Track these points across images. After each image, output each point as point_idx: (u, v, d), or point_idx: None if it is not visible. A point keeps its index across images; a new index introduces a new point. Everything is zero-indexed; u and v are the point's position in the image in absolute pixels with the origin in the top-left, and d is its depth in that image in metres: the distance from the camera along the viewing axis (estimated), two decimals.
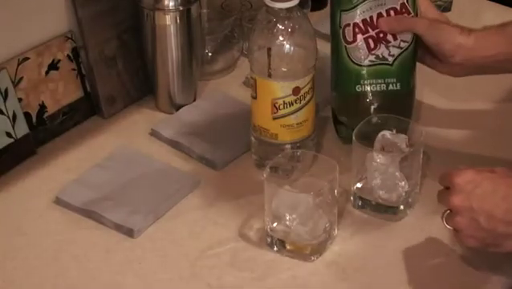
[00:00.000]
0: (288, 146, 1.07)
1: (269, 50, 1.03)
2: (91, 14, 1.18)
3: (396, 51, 1.10)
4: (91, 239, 1.02)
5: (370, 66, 1.10)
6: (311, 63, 1.05)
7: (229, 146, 1.16)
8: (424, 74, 1.14)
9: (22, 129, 1.13)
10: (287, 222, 0.98)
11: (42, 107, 1.16)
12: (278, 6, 1.00)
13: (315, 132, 1.11)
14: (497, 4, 1.52)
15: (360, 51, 1.09)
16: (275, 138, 1.07)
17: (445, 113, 1.24)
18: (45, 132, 1.18)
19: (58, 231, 1.04)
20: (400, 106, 1.12)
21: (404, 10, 1.09)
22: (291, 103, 1.04)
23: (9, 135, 1.11)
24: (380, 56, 1.10)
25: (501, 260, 0.96)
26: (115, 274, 0.97)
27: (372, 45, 1.09)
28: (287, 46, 1.03)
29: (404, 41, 1.09)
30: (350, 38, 1.09)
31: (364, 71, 1.10)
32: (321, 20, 1.44)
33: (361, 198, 1.05)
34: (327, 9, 1.51)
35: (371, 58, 1.10)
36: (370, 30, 1.09)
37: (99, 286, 0.96)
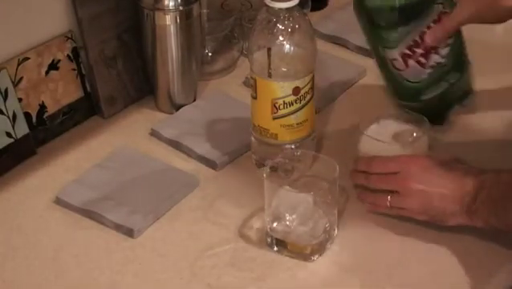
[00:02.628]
0: (288, 146, 1.07)
1: (269, 50, 1.03)
2: (91, 14, 1.18)
3: (446, 50, 1.10)
4: (91, 239, 1.02)
5: (429, 77, 1.10)
6: (311, 63, 1.05)
7: (229, 146, 1.16)
8: None
9: (22, 129, 1.13)
10: (287, 222, 0.98)
11: (42, 107, 1.16)
12: (278, 5, 1.00)
13: (315, 132, 1.11)
14: None
15: (415, 72, 1.09)
16: (275, 138, 1.07)
17: None
18: (45, 132, 1.18)
19: (58, 231, 1.04)
20: (462, 84, 1.14)
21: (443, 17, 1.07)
22: (291, 103, 1.04)
23: (9, 135, 1.11)
24: (435, 64, 1.10)
25: (501, 261, 0.96)
26: (115, 274, 0.97)
27: (424, 60, 1.09)
28: (287, 46, 1.03)
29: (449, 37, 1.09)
30: (401, 67, 1.09)
31: (425, 83, 1.10)
32: (321, 20, 1.45)
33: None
34: (327, 9, 1.53)
35: (428, 70, 1.10)
36: (417, 50, 1.08)
37: (99, 286, 0.96)
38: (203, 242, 1.01)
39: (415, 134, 1.05)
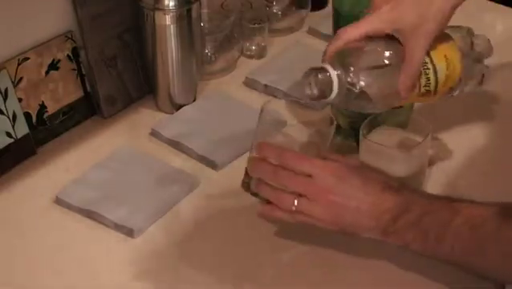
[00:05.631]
0: None
1: None
2: (91, 14, 1.18)
3: None
4: (91, 239, 1.02)
5: None
6: None
7: (229, 146, 1.16)
8: None
9: (22, 129, 1.13)
10: None
11: (42, 107, 1.16)
12: None
13: None
14: (497, 4, 1.52)
15: None
16: None
17: None
18: (45, 132, 1.18)
19: (59, 231, 1.04)
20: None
21: None
22: None
23: (9, 135, 1.11)
24: None
25: None
26: (115, 274, 0.97)
27: None
28: None
29: None
30: None
31: None
32: (321, 20, 1.44)
33: None
34: (327, 9, 1.52)
35: None
36: None
37: (99, 286, 0.96)
38: (203, 242, 1.01)
39: (417, 140, 1.03)
